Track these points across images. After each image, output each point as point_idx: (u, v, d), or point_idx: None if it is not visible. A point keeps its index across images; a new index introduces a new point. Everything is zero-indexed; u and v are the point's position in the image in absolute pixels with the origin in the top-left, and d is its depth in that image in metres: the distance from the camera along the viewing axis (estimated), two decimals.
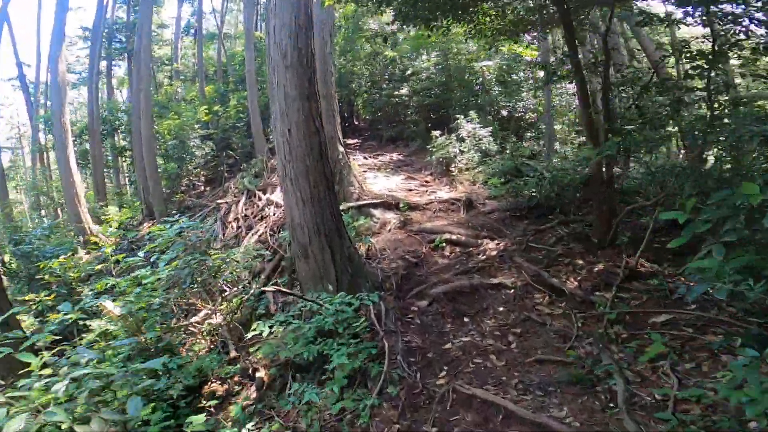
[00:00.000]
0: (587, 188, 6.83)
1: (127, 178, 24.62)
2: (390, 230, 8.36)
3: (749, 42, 5.78)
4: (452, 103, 15.96)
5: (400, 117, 18.53)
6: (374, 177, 12.40)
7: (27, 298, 8.99)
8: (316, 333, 4.83)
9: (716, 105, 5.60)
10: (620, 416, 3.49)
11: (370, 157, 15.29)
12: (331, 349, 4.64)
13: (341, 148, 10.28)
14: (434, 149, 12.46)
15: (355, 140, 18.29)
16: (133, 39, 19.03)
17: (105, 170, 22.15)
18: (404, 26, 7.66)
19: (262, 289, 6.16)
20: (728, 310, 4.65)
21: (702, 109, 6.46)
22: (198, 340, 7.16)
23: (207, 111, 17.47)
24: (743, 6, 5.59)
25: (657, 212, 5.42)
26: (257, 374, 5.62)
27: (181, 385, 5.46)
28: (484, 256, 6.97)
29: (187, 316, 7.96)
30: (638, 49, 12.33)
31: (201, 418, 3.96)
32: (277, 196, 10.75)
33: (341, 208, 7.24)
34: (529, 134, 15.27)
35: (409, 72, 17.54)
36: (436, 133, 12.79)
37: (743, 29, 5.74)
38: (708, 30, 5.71)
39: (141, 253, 6.22)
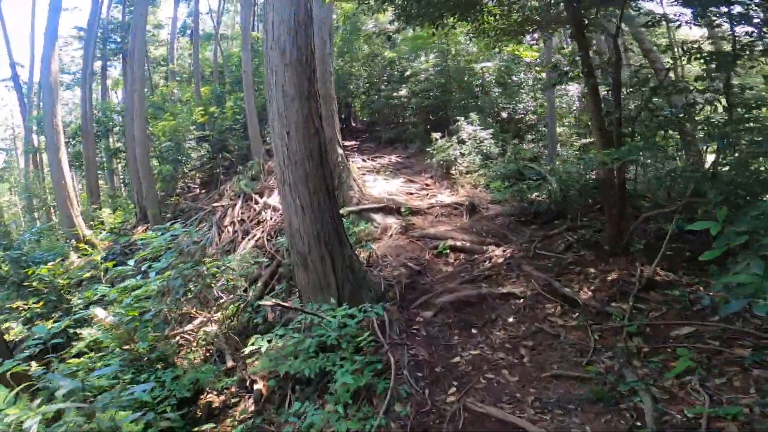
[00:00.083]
0: (601, 193, 6.56)
1: (121, 181, 24.29)
2: (391, 236, 8.09)
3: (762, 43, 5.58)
4: (451, 104, 15.74)
5: (398, 119, 18.31)
6: (373, 180, 12.14)
7: (15, 305, 8.71)
8: (318, 348, 4.55)
9: (734, 108, 5.34)
10: None
11: (368, 159, 15.02)
12: (333, 365, 4.37)
13: (340, 151, 10.02)
14: (434, 151, 12.20)
15: (353, 142, 18.02)
16: (129, 39, 18.70)
17: (99, 172, 21.80)
18: (407, 25, 7.40)
19: (260, 303, 5.86)
20: (753, 322, 4.40)
21: (708, 112, 6.26)
22: (193, 349, 6.90)
23: (203, 112, 17.18)
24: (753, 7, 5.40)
25: (675, 219, 5.17)
26: (255, 386, 5.37)
27: (175, 399, 5.22)
28: (490, 264, 6.71)
29: (181, 324, 7.69)
30: (633, 49, 12.17)
31: None
32: (275, 199, 10.48)
33: (341, 212, 6.97)
34: (529, 136, 15.05)
35: (407, 73, 17.29)
36: (437, 135, 12.52)
37: (756, 30, 5.54)
38: (709, 31, 5.50)
39: (131, 262, 5.93)
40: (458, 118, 13.10)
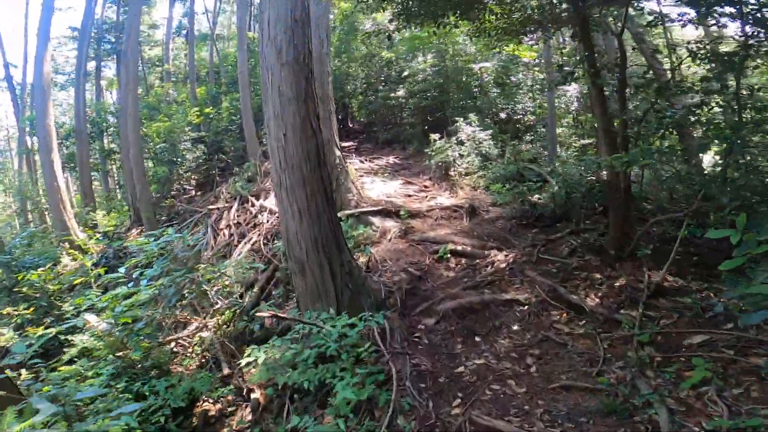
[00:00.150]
0: (607, 196, 6.41)
1: (116, 182, 24.04)
2: (390, 239, 7.91)
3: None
4: (449, 105, 15.57)
5: (396, 119, 18.14)
6: (371, 182, 11.96)
7: (5, 311, 8.51)
8: (317, 358, 4.38)
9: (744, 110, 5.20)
10: None
11: (366, 160, 14.85)
12: (333, 376, 4.20)
13: (338, 153, 9.83)
14: (433, 153, 12.03)
15: (351, 143, 17.83)
16: (123, 39, 18.48)
17: (93, 173, 21.55)
18: (407, 24, 7.22)
19: (257, 314, 5.69)
20: None
21: (708, 113, 6.12)
22: (188, 355, 6.73)
23: (198, 113, 16.98)
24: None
25: (685, 224, 5.01)
26: (252, 395, 5.21)
27: (169, 409, 5.06)
28: (493, 269, 6.54)
29: (176, 329, 7.50)
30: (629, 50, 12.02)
31: None
32: (271, 202, 10.29)
33: (339, 215, 6.79)
34: (528, 137, 14.90)
35: (405, 73, 17.11)
36: (435, 136, 12.34)
37: (763, 30, 5.40)
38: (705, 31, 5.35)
39: (122, 269, 5.73)
40: (457, 118, 12.93)
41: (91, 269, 7.28)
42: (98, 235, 12.60)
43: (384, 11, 8.86)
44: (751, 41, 5.18)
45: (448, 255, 7.15)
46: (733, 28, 6.83)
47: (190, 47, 23.79)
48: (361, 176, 12.10)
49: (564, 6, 6.98)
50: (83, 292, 7.85)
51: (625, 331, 4.69)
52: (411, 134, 16.19)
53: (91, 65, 23.04)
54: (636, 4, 7.10)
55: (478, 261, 6.92)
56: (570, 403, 3.92)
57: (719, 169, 5.19)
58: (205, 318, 6.99)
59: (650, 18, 6.59)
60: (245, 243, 9.29)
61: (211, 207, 12.20)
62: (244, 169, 13.37)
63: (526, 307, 5.51)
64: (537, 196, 8.84)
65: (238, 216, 10.86)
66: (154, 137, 15.77)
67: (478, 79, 16.16)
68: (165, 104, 19.99)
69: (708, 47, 5.65)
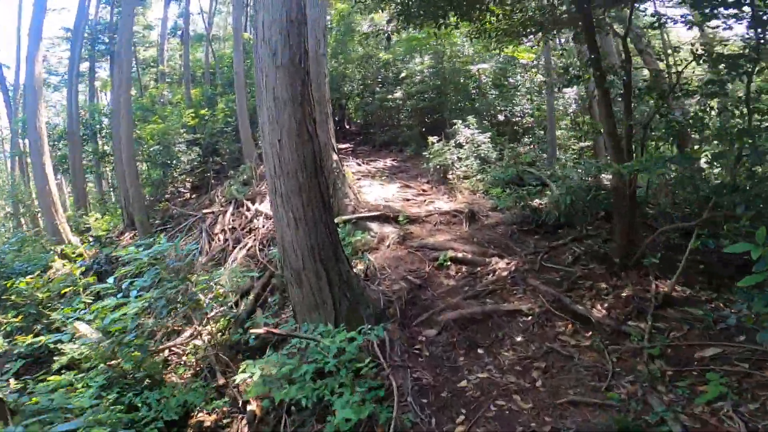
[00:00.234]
0: (614, 203, 6.25)
1: (110, 185, 23.76)
2: (389, 246, 7.73)
3: None
4: (447, 106, 15.42)
5: (393, 121, 17.96)
6: (369, 185, 11.75)
7: None
8: (315, 374, 4.20)
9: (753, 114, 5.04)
10: None
11: (363, 163, 14.65)
12: (332, 393, 4.02)
13: (335, 156, 9.65)
14: (431, 156, 11.87)
15: (347, 145, 17.62)
16: (117, 40, 18.26)
17: (87, 176, 21.26)
18: (407, 25, 7.05)
19: (252, 331, 5.52)
20: None
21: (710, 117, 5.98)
22: (183, 364, 6.56)
23: (194, 115, 16.77)
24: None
25: (695, 234, 4.86)
26: (248, 407, 5.04)
27: (162, 422, 4.89)
28: (494, 277, 6.36)
29: (170, 337, 7.32)
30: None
31: None
32: (267, 206, 10.09)
33: (336, 221, 6.61)
34: (526, 139, 14.77)
35: (402, 75, 16.96)
36: (433, 138, 12.17)
37: None
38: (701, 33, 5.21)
39: (110, 280, 5.53)
40: (455, 121, 12.77)
41: (80, 278, 7.07)
42: (90, 240, 12.35)
43: (382, 12, 8.68)
44: (762, 42, 5.05)
45: (448, 262, 6.98)
46: (737, 30, 6.73)
47: (185, 48, 23.58)
48: (358, 179, 11.93)
49: (565, 8, 6.84)
50: (73, 300, 7.66)
51: (633, 343, 4.52)
52: (408, 136, 16.01)
53: (85, 66, 22.74)
54: (639, 6, 6.98)
55: (479, 268, 6.75)
56: (579, 419, 3.75)
57: (728, 178, 5.03)
58: (198, 326, 6.82)
59: (651, 19, 6.47)
60: (240, 248, 9.11)
61: (205, 211, 12.01)
62: (240, 172, 13.19)
63: (529, 317, 5.34)
64: (537, 200, 8.68)
65: (233, 220, 10.68)
66: (148, 139, 15.55)
67: (476, 80, 16.04)
68: (159, 105, 19.78)
69: (715, 49, 5.53)
